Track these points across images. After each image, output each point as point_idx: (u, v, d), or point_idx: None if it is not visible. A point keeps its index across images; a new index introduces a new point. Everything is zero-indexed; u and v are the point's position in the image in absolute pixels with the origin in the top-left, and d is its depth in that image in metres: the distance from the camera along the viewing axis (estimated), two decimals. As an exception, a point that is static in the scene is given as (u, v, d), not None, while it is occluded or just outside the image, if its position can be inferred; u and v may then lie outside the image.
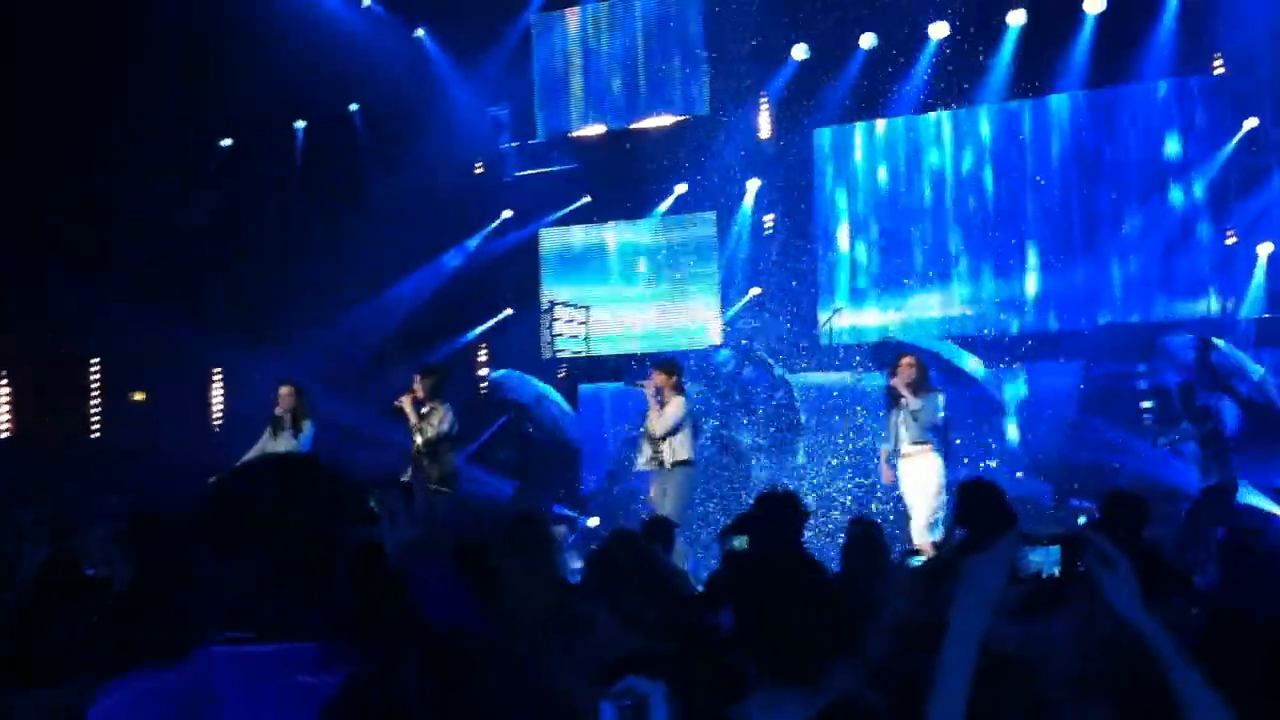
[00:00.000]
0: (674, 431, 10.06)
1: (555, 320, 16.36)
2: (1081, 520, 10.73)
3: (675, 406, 10.12)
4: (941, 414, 10.23)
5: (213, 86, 15.98)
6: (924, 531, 9.54)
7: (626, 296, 16.74)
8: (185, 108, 16.01)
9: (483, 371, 17.05)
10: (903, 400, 9.77)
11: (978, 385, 13.71)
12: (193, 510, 2.03)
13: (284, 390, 10.85)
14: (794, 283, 15.10)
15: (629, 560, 4.63)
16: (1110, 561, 2.11)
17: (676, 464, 10.04)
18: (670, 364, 10.58)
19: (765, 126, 15.74)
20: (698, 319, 16.02)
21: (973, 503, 6.40)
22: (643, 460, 10.30)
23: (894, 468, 10.03)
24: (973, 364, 13.84)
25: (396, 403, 10.66)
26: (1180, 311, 14.04)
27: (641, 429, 10.46)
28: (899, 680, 4.01)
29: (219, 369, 17.50)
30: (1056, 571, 1.96)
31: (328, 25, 16.57)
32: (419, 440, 10.47)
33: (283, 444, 10.63)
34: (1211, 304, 13.86)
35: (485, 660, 1.91)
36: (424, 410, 10.54)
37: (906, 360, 10.02)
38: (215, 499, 2.00)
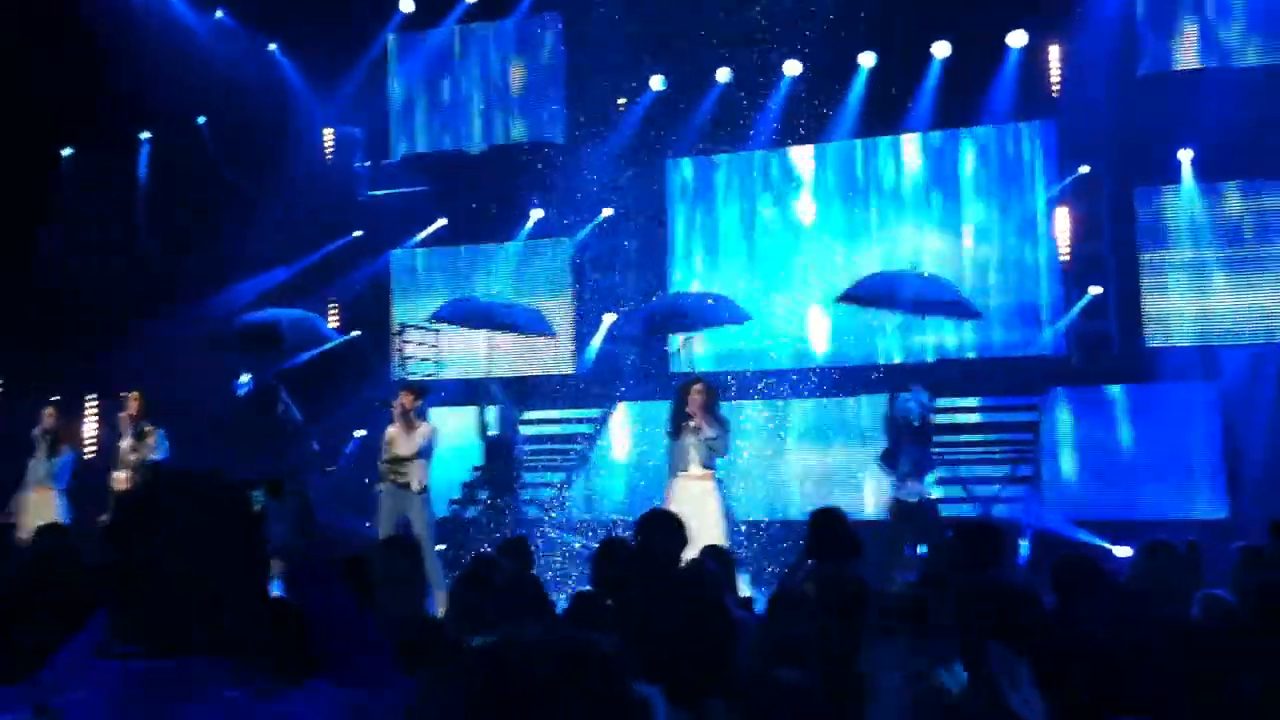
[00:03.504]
0: (425, 454, 10.23)
1: (406, 343, 16.19)
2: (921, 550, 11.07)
3: (426, 430, 10.33)
4: (730, 442, 10.33)
5: (53, 93, 15.48)
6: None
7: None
8: (29, 116, 15.45)
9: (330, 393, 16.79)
10: (693, 424, 9.85)
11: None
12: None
13: (48, 411, 10.94)
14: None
15: (503, 583, 4.63)
16: (1011, 670, 2.17)
17: (423, 489, 10.20)
18: (419, 387, 10.79)
19: (620, 155, 15.85)
20: (552, 344, 16.03)
21: (822, 532, 6.55)
22: (380, 480, 10.43)
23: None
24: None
25: (118, 415, 10.78)
26: (1014, 349, 14.58)
27: (384, 449, 10.53)
28: (763, 700, 4.08)
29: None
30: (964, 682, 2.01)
31: (175, 34, 16.21)
32: (133, 459, 10.57)
33: (40, 465, 10.70)
34: (1047, 343, 14.40)
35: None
36: (141, 431, 10.65)
37: (696, 386, 10.10)
38: (117, 519, 1.97)
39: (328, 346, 14.31)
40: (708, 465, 9.86)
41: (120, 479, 10.74)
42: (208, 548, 1.96)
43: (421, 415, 10.63)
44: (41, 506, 10.63)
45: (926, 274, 12.92)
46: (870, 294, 12.08)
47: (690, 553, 8.49)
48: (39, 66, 15.19)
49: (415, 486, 10.20)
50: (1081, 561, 6.12)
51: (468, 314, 13.56)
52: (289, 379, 13.73)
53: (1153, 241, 13.97)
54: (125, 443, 10.78)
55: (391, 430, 10.54)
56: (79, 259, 16.16)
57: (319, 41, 16.22)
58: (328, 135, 17.06)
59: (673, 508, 9.68)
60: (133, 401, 10.96)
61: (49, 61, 15.15)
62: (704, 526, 9.45)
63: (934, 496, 11.23)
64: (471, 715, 1.63)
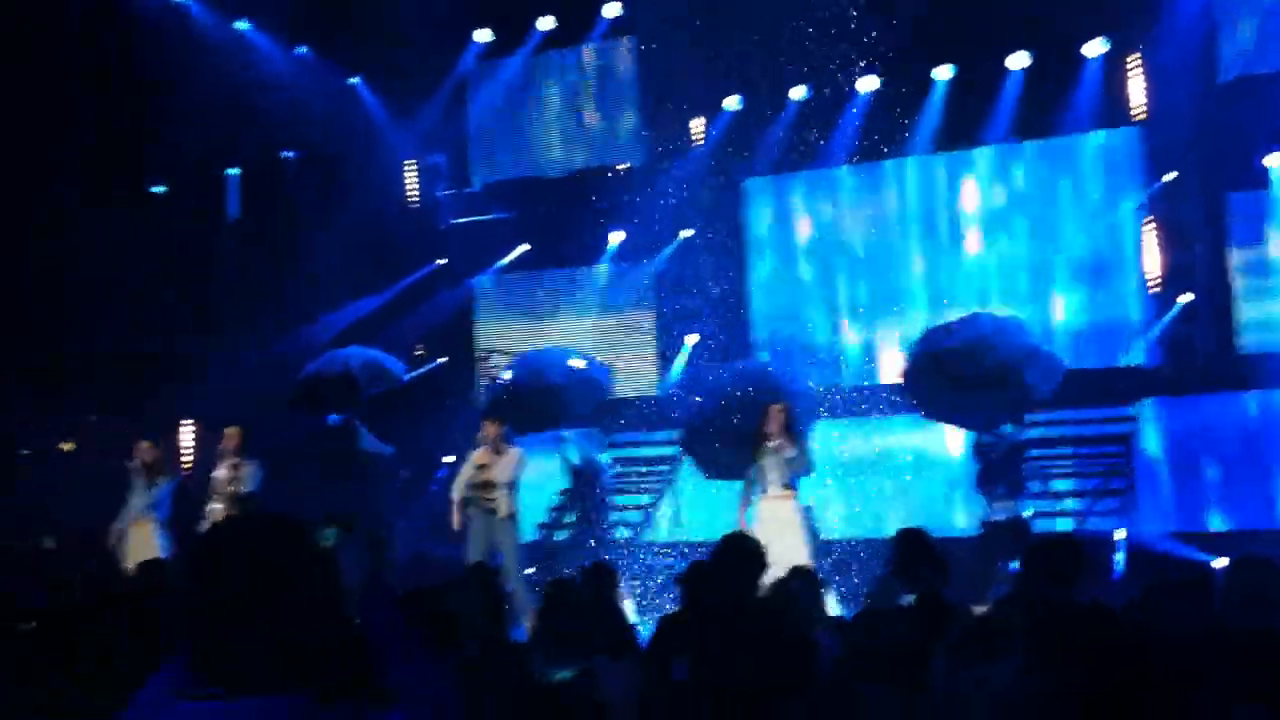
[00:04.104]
0: (515, 480, 10.23)
1: (490, 369, 16.33)
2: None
3: (515, 456, 10.30)
4: (810, 461, 10.28)
5: (144, 133, 15.90)
6: None
7: (563, 344, 16.77)
8: (119, 154, 15.89)
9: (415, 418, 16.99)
10: (772, 444, 9.85)
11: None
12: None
13: (144, 444, 11.21)
14: (730, 332, 15.28)
15: (588, 610, 4.64)
16: None
17: (511, 515, 10.19)
18: (501, 415, 10.78)
19: (698, 176, 15.87)
20: (637, 367, 16.08)
21: (908, 553, 6.50)
22: (468, 506, 10.38)
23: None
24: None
25: (219, 448, 11.02)
26: (1105, 360, 14.36)
27: (471, 474, 10.48)
28: (840, 710, 4.07)
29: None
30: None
31: (259, 72, 16.57)
32: (228, 491, 10.79)
33: (139, 498, 10.96)
34: (1138, 353, 14.15)
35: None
36: (234, 463, 10.87)
37: (777, 407, 10.11)
38: (191, 560, 2.01)
39: (404, 381, 14.38)
40: (789, 485, 9.87)
41: (216, 511, 10.97)
42: (282, 587, 1.98)
43: (508, 441, 10.65)
44: (142, 540, 10.88)
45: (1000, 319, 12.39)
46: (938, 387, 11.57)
47: (776, 573, 8.44)
48: (128, 106, 15.60)
49: (503, 512, 10.25)
50: (1185, 580, 5.99)
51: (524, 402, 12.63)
52: (374, 409, 13.90)
53: (1243, 247, 13.70)
54: (220, 474, 11.02)
55: (479, 455, 10.54)
56: (171, 292, 16.52)
57: (399, 74, 16.49)
58: (409, 165, 17.29)
59: (756, 529, 9.71)
60: (230, 437, 11.19)
61: (137, 101, 15.56)
62: (788, 547, 9.42)
63: (1027, 514, 11.09)
64: None
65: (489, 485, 10.35)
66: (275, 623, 1.96)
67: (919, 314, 14.93)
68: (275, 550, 2.03)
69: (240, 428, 11.32)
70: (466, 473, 10.53)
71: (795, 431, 10.00)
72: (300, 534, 2.10)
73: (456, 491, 10.55)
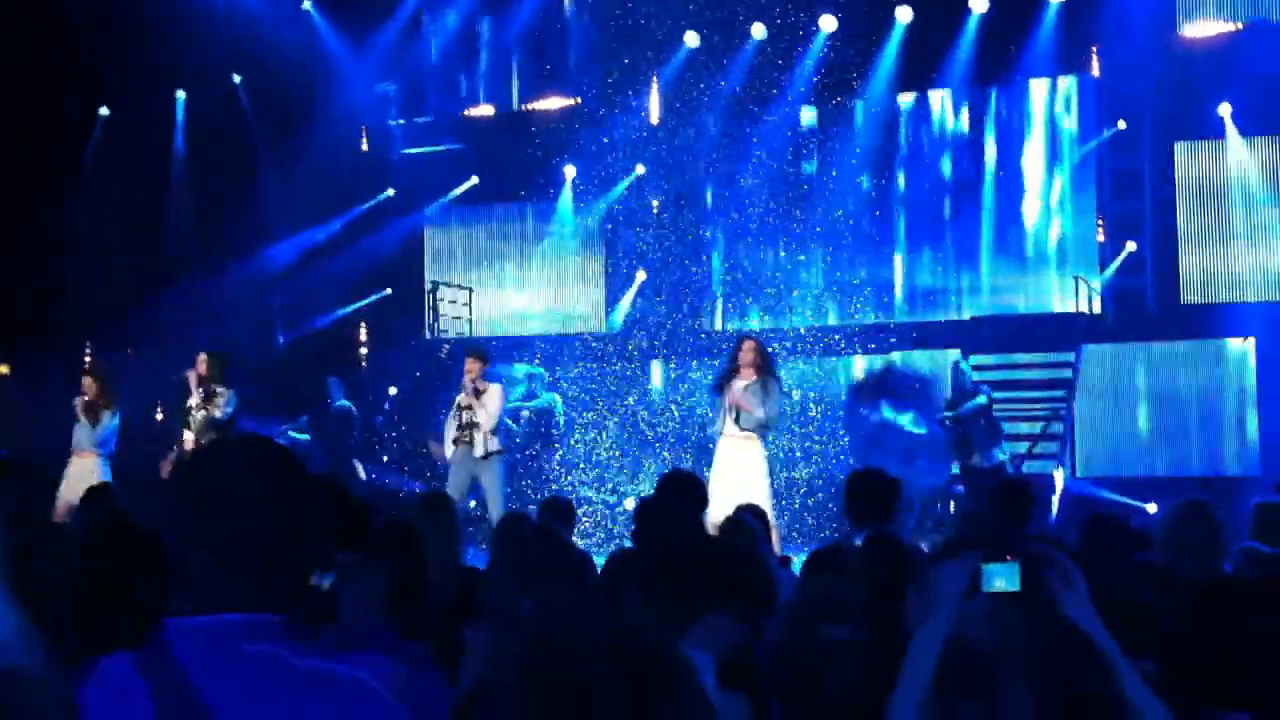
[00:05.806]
0: (496, 421, 10.14)
1: (439, 301, 16.27)
2: None
3: (495, 395, 10.18)
4: (781, 405, 10.00)
5: (89, 54, 15.58)
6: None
7: (512, 279, 16.74)
8: (62, 76, 15.57)
9: (363, 350, 16.94)
10: (742, 380, 9.41)
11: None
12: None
13: (87, 380, 11.05)
14: (680, 270, 15.29)
15: (538, 543, 4.67)
16: (1070, 578, 2.13)
17: (493, 453, 10.11)
18: (484, 352, 10.66)
19: (655, 112, 15.80)
20: (585, 303, 16.08)
21: (862, 492, 6.53)
22: (449, 445, 10.28)
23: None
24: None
25: (184, 374, 10.84)
26: (1049, 306, 14.56)
27: (454, 414, 10.38)
28: (796, 656, 4.13)
29: (89, 344, 16.98)
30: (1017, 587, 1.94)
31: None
32: (201, 417, 10.64)
33: (84, 433, 10.83)
34: (1079, 300, 14.32)
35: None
36: (210, 391, 10.69)
37: (749, 344, 9.61)
38: (177, 482, 2.01)
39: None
40: (749, 426, 9.42)
41: (188, 438, 10.80)
42: (268, 510, 1.97)
43: (487, 378, 10.48)
44: (85, 473, 10.72)
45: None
46: None
47: (727, 510, 8.36)
48: (76, 28, 15.26)
49: (481, 451, 10.12)
50: (1109, 521, 6.12)
51: None
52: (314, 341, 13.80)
53: (1190, 197, 13.88)
54: (193, 401, 10.82)
55: (462, 399, 10.36)
56: (113, 217, 16.27)
57: (354, 1, 16.22)
58: (361, 93, 17.06)
59: (717, 465, 9.58)
60: (201, 362, 10.98)
61: (86, 23, 15.22)
62: (746, 484, 9.21)
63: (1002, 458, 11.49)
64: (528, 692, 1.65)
65: (474, 427, 10.22)
66: (263, 543, 1.95)
67: (858, 257, 15.07)
68: (264, 468, 2.01)
69: (211, 354, 11.07)
70: (453, 418, 10.37)
71: (769, 372, 9.58)
72: (286, 454, 2.08)
73: (448, 435, 10.37)
